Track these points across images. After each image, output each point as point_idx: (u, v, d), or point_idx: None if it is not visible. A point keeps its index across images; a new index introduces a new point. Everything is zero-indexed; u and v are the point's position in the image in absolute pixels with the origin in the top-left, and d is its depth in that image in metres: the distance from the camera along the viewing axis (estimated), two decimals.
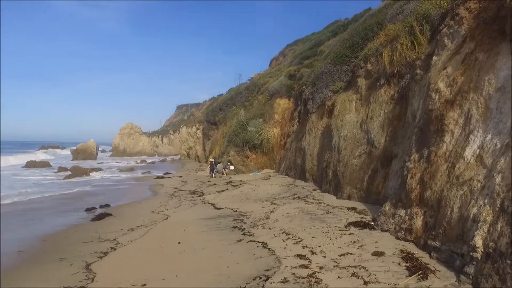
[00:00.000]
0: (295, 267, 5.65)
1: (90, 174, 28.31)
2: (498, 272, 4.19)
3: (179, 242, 7.70)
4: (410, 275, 5.01)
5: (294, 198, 12.24)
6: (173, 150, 69.76)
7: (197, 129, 59.64)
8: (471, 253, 4.72)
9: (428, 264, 5.31)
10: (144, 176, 26.87)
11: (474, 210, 4.97)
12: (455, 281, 4.77)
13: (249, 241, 7.42)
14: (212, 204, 12.50)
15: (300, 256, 6.14)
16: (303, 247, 6.68)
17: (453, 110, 6.07)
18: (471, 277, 4.61)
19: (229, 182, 18.81)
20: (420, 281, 4.83)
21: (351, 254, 6.07)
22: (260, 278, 5.38)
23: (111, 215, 11.31)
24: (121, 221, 10.52)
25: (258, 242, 7.28)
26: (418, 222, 6.32)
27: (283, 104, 24.22)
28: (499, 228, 4.43)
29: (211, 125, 38.34)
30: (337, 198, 11.48)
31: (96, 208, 12.67)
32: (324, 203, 10.86)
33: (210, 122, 38.61)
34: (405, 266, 5.35)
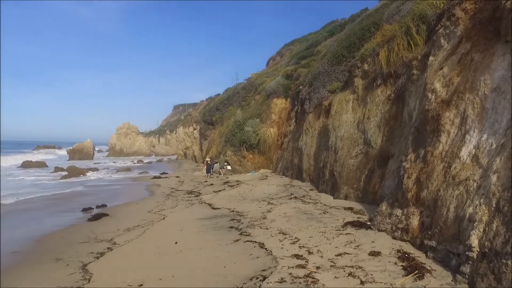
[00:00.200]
0: (292, 267, 5.65)
1: (87, 174, 28.24)
2: (494, 271, 4.21)
3: (176, 242, 7.69)
4: (406, 275, 5.02)
5: (291, 198, 12.25)
6: (170, 150, 69.66)
7: (194, 129, 59.56)
8: (467, 253, 4.75)
9: (425, 264, 5.33)
10: (141, 176, 26.81)
11: (470, 210, 5.00)
12: (451, 280, 4.79)
13: (246, 241, 7.41)
14: (209, 204, 12.49)
15: (297, 256, 6.14)
16: (300, 247, 6.68)
17: (449, 110, 6.10)
18: (467, 276, 4.64)
19: (226, 182, 18.80)
20: (416, 281, 4.84)
21: (348, 254, 6.09)
22: (257, 278, 5.38)
23: (107, 215, 11.28)
24: (117, 221, 10.49)
25: (255, 242, 7.28)
26: (415, 222, 6.35)
27: (280, 104, 24.22)
28: (495, 227, 4.46)
29: (208, 125, 38.29)
30: (334, 198, 11.50)
31: (93, 208, 12.64)
32: (321, 203, 10.88)
33: (207, 122, 38.57)
34: (402, 265, 5.37)
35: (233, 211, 10.97)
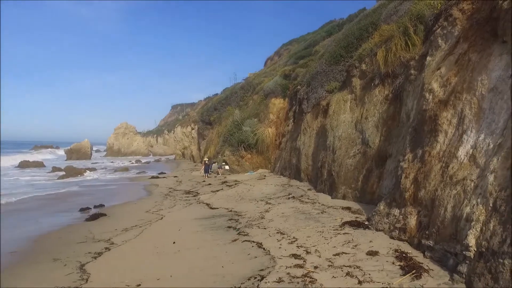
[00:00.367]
0: (290, 267, 5.66)
1: (84, 174, 28.17)
2: (491, 271, 4.23)
3: (174, 242, 7.69)
4: (404, 274, 5.04)
5: (289, 198, 12.25)
6: (168, 150, 69.48)
7: (192, 129, 59.44)
8: (464, 252, 4.76)
9: (422, 263, 5.35)
10: (138, 176, 26.76)
11: (467, 209, 5.01)
12: (449, 280, 4.81)
13: (244, 241, 7.42)
14: (207, 204, 12.49)
15: (295, 256, 6.15)
16: (298, 246, 6.69)
17: (447, 110, 6.12)
18: (464, 276, 4.65)
19: (224, 182, 18.79)
20: (414, 280, 4.86)
21: (346, 253, 6.10)
22: (255, 278, 5.39)
23: (105, 215, 11.25)
24: (115, 221, 10.47)
25: (253, 242, 7.28)
26: (412, 221, 6.36)
27: (278, 104, 24.22)
28: (492, 227, 4.48)
29: (206, 125, 38.27)
30: (332, 198, 11.52)
31: (90, 208, 12.60)
32: (319, 203, 10.89)
33: (205, 122, 38.55)
34: (399, 265, 5.38)
35: (231, 211, 10.97)
